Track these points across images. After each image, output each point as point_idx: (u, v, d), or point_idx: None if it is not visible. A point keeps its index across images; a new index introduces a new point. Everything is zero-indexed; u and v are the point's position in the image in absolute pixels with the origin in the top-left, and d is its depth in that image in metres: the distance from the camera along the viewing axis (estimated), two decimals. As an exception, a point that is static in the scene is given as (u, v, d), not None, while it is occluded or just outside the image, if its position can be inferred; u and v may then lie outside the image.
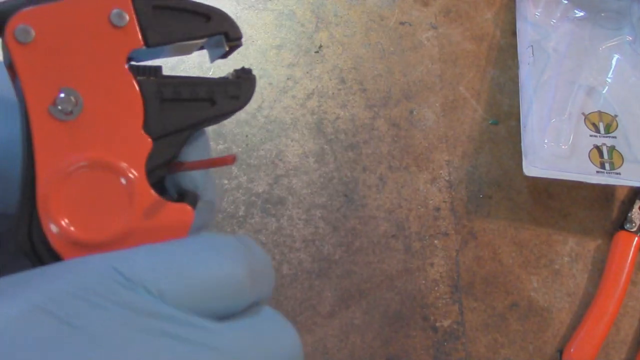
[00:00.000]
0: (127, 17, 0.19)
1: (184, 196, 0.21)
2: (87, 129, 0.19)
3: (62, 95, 0.18)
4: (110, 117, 0.19)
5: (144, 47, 0.20)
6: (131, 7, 0.19)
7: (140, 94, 0.20)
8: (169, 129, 0.20)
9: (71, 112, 0.18)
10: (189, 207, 0.20)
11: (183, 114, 0.21)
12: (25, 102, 0.18)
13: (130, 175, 0.19)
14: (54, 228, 0.18)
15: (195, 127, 0.21)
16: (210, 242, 0.18)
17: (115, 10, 0.19)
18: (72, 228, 0.18)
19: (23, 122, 0.18)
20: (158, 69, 0.21)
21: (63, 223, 0.18)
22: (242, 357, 0.17)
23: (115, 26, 0.19)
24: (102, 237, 0.18)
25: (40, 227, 0.18)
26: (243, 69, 0.23)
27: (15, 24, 0.18)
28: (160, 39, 0.20)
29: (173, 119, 0.20)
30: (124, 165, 0.19)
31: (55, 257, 0.18)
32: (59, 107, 0.18)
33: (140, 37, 0.20)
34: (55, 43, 0.18)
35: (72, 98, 0.18)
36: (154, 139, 0.20)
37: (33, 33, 0.18)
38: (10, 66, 0.19)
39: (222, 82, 0.22)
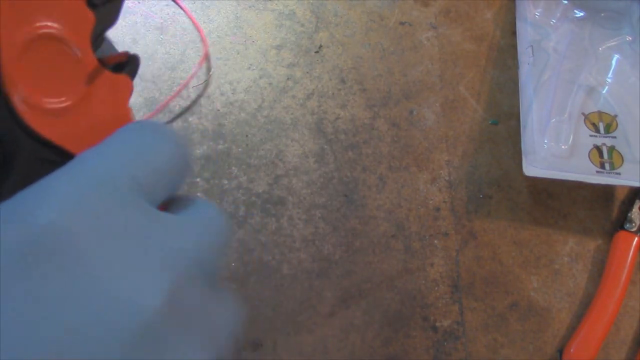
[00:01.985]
0: None
1: (121, 67, 0.22)
2: (41, 2, 0.19)
3: None
4: None
5: None
6: None
7: None
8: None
9: None
10: (128, 79, 0.22)
11: None
12: None
13: (80, 46, 0.20)
14: (18, 97, 0.19)
15: None
16: (151, 127, 0.19)
17: None
18: (34, 96, 0.19)
19: None
20: None
21: (26, 91, 0.19)
22: (199, 244, 0.19)
23: None
24: (62, 104, 0.20)
25: (6, 95, 0.19)
26: None
27: None
28: None
29: None
30: (73, 37, 0.20)
31: (21, 124, 0.19)
32: None
33: None
34: None
35: None
36: (95, 11, 0.21)
37: None
38: None
39: None
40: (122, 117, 0.22)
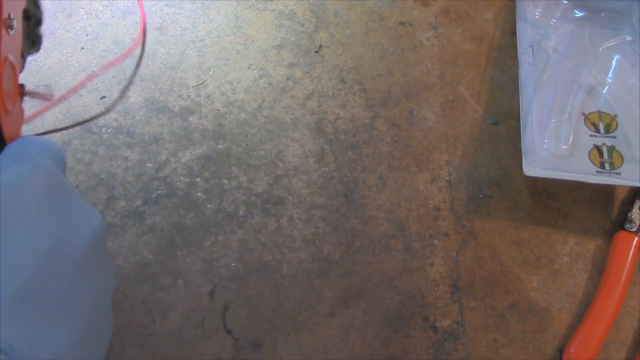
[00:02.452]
0: None
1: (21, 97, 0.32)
2: (14, 43, 0.29)
3: (12, 17, 0.28)
4: (18, 38, 0.30)
5: None
6: None
7: (23, 27, 0.31)
8: (24, 56, 0.32)
9: (13, 29, 0.28)
10: (22, 109, 0.31)
11: (26, 48, 0.32)
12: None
13: (17, 69, 0.30)
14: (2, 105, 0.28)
15: (26, 56, 0.33)
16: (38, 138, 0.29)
17: None
18: (7, 101, 0.28)
19: None
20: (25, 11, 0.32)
21: (5, 98, 0.28)
22: None
23: None
24: (11, 108, 0.29)
25: None
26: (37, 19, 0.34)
27: None
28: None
29: (25, 50, 0.31)
30: (18, 67, 0.30)
31: None
32: (10, 25, 0.28)
33: None
34: None
35: (15, 20, 0.28)
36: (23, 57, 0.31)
37: None
38: None
39: (37, 32, 0.34)
40: (19, 129, 0.31)
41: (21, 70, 0.31)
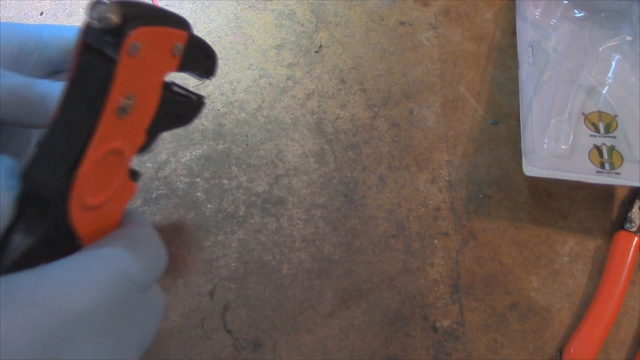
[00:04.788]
0: (181, 49, 0.26)
1: (135, 175, 0.28)
2: (128, 126, 0.23)
3: (128, 99, 0.23)
4: (141, 119, 0.24)
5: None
6: (185, 43, 0.26)
7: (158, 106, 0.25)
8: (156, 132, 0.27)
9: (127, 113, 0.23)
10: (135, 185, 0.27)
11: (166, 123, 0.28)
12: (105, 98, 0.21)
13: (130, 161, 0.25)
14: (77, 199, 0.23)
15: (166, 131, 0.29)
16: (143, 236, 0.26)
17: (177, 44, 0.25)
18: (88, 197, 0.23)
19: (86, 112, 0.22)
20: (171, 84, 0.27)
21: (84, 194, 0.23)
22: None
23: (173, 55, 0.26)
24: (98, 202, 0.24)
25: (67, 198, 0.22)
26: (200, 96, 0.32)
27: (133, 39, 0.21)
28: (185, 68, 0.28)
29: (160, 126, 0.27)
30: (130, 154, 0.25)
31: (62, 217, 0.23)
32: (123, 107, 0.23)
33: (178, 64, 0.26)
34: (146, 59, 0.23)
35: (132, 102, 0.23)
36: (146, 137, 0.26)
37: (139, 47, 0.22)
38: (80, 56, 0.22)
39: (193, 105, 0.31)
40: (119, 216, 0.26)
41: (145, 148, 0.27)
